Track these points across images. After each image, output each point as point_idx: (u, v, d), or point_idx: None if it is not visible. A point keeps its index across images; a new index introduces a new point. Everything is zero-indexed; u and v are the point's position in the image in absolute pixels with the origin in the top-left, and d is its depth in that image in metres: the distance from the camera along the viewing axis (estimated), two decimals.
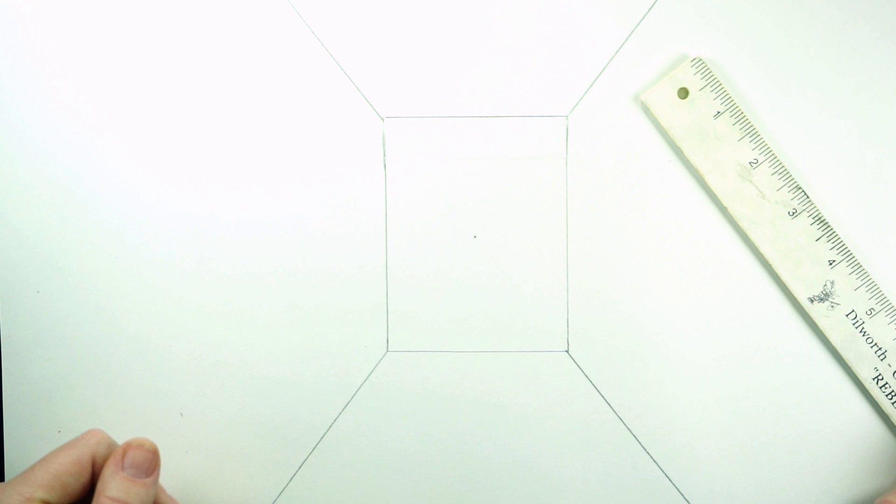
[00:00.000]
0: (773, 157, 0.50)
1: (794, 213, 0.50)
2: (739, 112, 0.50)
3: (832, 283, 0.50)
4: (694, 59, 0.50)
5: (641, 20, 0.50)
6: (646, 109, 0.50)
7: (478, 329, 0.51)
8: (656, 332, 0.51)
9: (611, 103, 0.51)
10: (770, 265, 0.50)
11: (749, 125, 0.50)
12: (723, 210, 0.50)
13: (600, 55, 0.51)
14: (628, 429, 0.51)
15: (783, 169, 0.50)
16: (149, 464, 0.45)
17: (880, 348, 0.50)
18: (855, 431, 0.51)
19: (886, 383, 0.50)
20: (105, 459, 0.46)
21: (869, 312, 0.50)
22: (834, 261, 0.50)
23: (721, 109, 0.50)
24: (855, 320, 0.50)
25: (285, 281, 0.52)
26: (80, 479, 0.45)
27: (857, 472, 0.51)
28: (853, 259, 0.50)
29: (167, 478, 0.51)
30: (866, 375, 0.50)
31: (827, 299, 0.50)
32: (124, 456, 0.45)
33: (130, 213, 0.52)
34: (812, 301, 0.50)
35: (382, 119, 0.51)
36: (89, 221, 0.52)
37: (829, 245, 0.50)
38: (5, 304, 0.52)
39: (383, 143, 0.51)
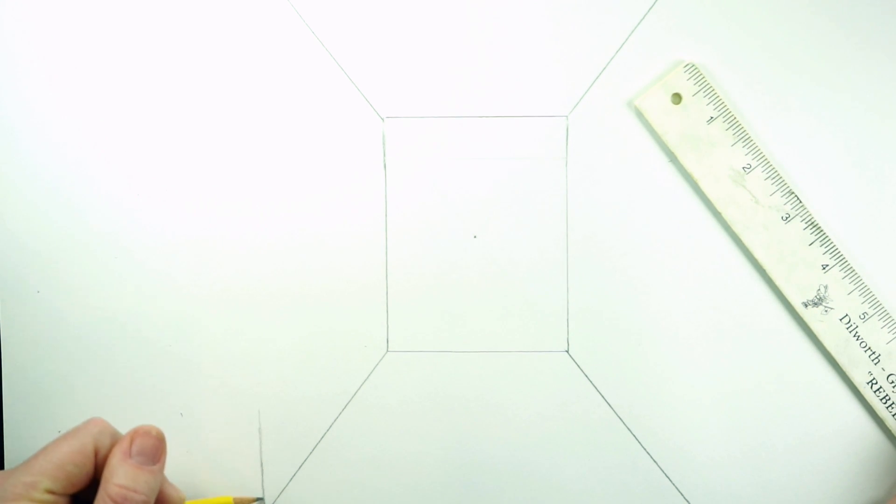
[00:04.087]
0: (766, 162, 0.51)
1: (787, 218, 0.51)
2: (732, 117, 0.51)
3: (826, 287, 0.51)
4: (687, 64, 0.51)
5: (637, 25, 0.52)
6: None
7: (478, 329, 0.52)
8: (656, 332, 0.52)
9: (611, 104, 0.52)
10: (764, 269, 0.51)
11: (742, 130, 0.51)
12: (721, 211, 0.52)
13: (600, 56, 0.52)
14: (628, 429, 0.52)
15: (776, 174, 0.51)
16: (156, 451, 0.46)
17: (874, 352, 0.51)
18: (851, 434, 0.52)
19: (881, 387, 0.51)
20: (107, 449, 0.46)
21: (862, 317, 0.51)
22: (827, 265, 0.51)
23: (714, 115, 0.51)
24: (849, 325, 0.51)
25: (285, 281, 0.53)
26: (83, 469, 0.45)
27: (853, 474, 0.52)
28: (846, 263, 0.51)
29: (167, 478, 0.52)
30: (860, 380, 0.51)
31: (821, 304, 0.51)
32: (132, 443, 0.45)
33: (130, 213, 0.53)
34: (806, 305, 0.51)
35: (382, 119, 0.52)
36: (89, 221, 0.53)
37: (823, 249, 0.51)
38: (5, 304, 0.53)
39: (383, 143, 0.52)
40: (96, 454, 0.46)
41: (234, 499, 0.52)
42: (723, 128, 0.51)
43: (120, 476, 0.44)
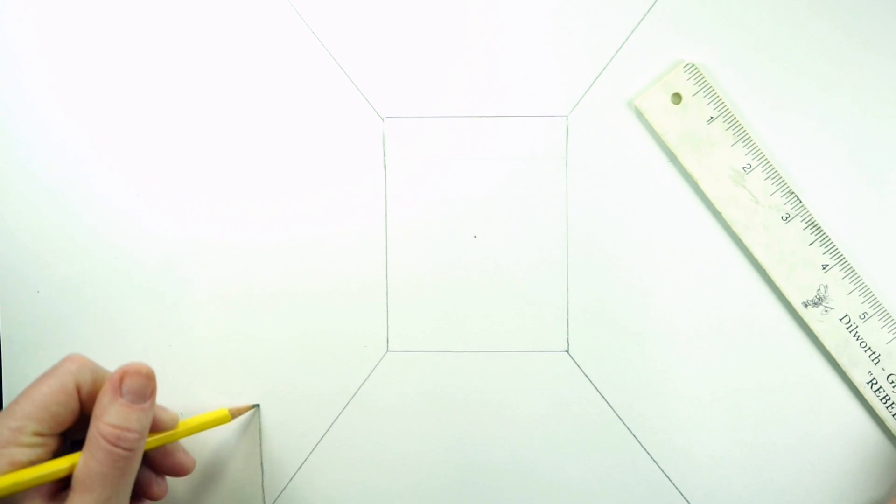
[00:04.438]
0: (766, 161, 0.51)
1: (787, 218, 0.51)
2: (732, 117, 0.51)
3: (826, 287, 0.51)
4: (687, 64, 0.51)
5: (637, 25, 0.52)
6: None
7: (478, 329, 0.53)
8: (656, 332, 0.52)
9: (611, 104, 0.52)
10: (764, 269, 0.52)
11: (742, 130, 0.51)
12: (721, 211, 0.52)
13: (600, 56, 0.52)
14: (628, 429, 0.53)
15: (776, 174, 0.51)
16: (146, 389, 0.45)
17: (874, 352, 0.51)
18: (851, 434, 0.52)
19: (880, 387, 0.51)
20: (90, 384, 0.46)
21: (862, 317, 0.51)
22: (827, 265, 0.51)
23: (714, 115, 0.51)
24: (849, 325, 0.51)
25: (285, 281, 0.53)
26: (68, 408, 0.45)
27: (853, 474, 0.52)
28: (846, 263, 0.51)
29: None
30: (860, 379, 0.51)
31: (821, 304, 0.51)
32: (121, 382, 0.45)
33: (129, 214, 0.53)
34: (806, 305, 0.51)
35: (382, 119, 0.52)
36: (88, 222, 0.53)
37: (823, 249, 0.51)
38: (5, 304, 0.53)
39: (383, 143, 0.52)
40: (79, 391, 0.45)
41: (230, 409, 0.51)
42: (723, 128, 0.51)
43: (112, 416, 0.44)
